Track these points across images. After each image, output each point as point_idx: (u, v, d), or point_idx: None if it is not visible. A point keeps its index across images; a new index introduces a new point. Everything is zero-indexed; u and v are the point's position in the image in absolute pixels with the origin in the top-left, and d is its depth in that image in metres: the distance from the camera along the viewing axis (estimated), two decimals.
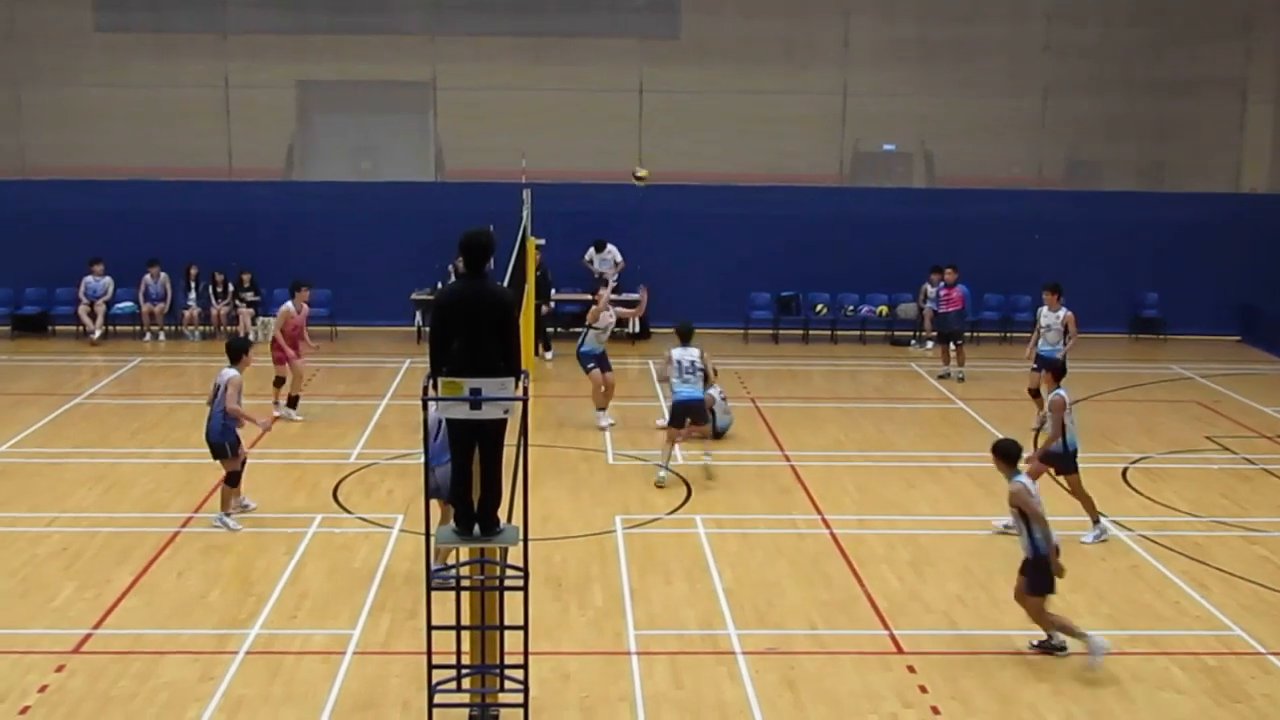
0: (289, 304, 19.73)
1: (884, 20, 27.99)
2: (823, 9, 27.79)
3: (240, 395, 14.75)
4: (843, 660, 11.71)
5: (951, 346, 23.26)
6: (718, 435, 18.65)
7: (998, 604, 12.98)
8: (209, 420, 14.81)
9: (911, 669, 11.51)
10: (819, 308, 27.00)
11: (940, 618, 12.70)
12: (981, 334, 26.71)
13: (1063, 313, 19.42)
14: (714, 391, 18.47)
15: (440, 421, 11.78)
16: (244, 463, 15.09)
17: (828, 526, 15.23)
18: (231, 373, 14.76)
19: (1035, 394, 19.01)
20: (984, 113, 27.74)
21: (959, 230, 26.52)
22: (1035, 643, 11.91)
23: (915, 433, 19.68)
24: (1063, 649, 11.78)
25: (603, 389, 19.51)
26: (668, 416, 17.54)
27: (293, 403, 19.72)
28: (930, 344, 25.55)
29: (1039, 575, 11.69)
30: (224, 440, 14.74)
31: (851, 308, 26.93)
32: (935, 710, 10.78)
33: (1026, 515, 11.70)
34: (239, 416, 14.71)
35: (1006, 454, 12.07)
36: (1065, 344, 19.25)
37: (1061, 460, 14.93)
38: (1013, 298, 27.16)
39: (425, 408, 9.35)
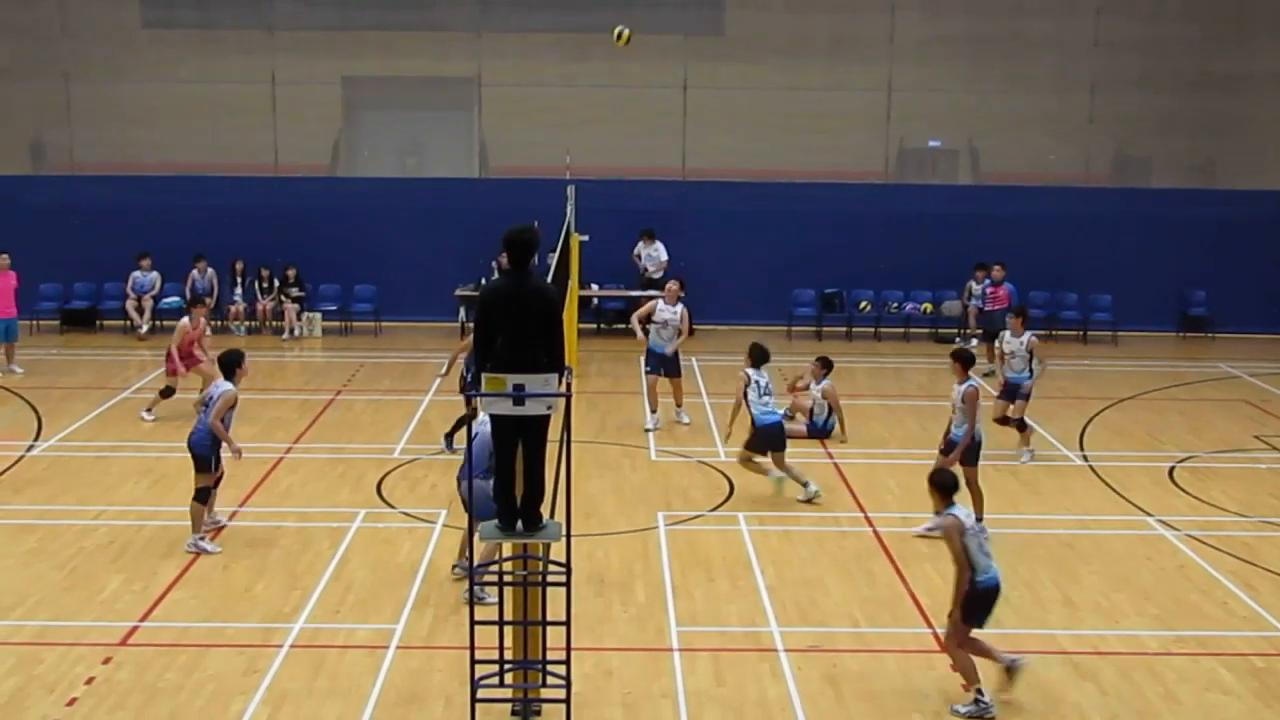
0: (185, 320, 19.38)
1: (930, 15, 27.87)
2: (869, 4, 27.69)
3: (231, 412, 14.03)
4: (886, 658, 11.66)
5: (996, 345, 23.08)
6: (824, 434, 18.75)
7: (1041, 603, 12.91)
8: (195, 430, 14.10)
9: (955, 667, 11.43)
10: (863, 305, 26.92)
11: None
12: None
13: (1027, 337, 17.87)
14: (815, 391, 18.74)
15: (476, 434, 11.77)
16: (219, 481, 14.33)
17: (871, 524, 15.17)
18: (226, 387, 14.05)
19: (1004, 422, 17.89)
20: (1031, 108, 27.55)
21: (1004, 227, 26.39)
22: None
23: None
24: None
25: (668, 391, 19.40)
26: (749, 440, 15.94)
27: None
28: (975, 341, 25.40)
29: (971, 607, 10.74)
30: (209, 454, 13.99)
31: (895, 305, 26.82)
32: None
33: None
34: (219, 435, 13.96)
35: (943, 487, 11.00)
36: (1033, 372, 17.74)
37: (970, 452, 14.82)
38: (1059, 295, 26.98)
39: (469, 403, 9.36)
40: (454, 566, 13.23)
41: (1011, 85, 27.47)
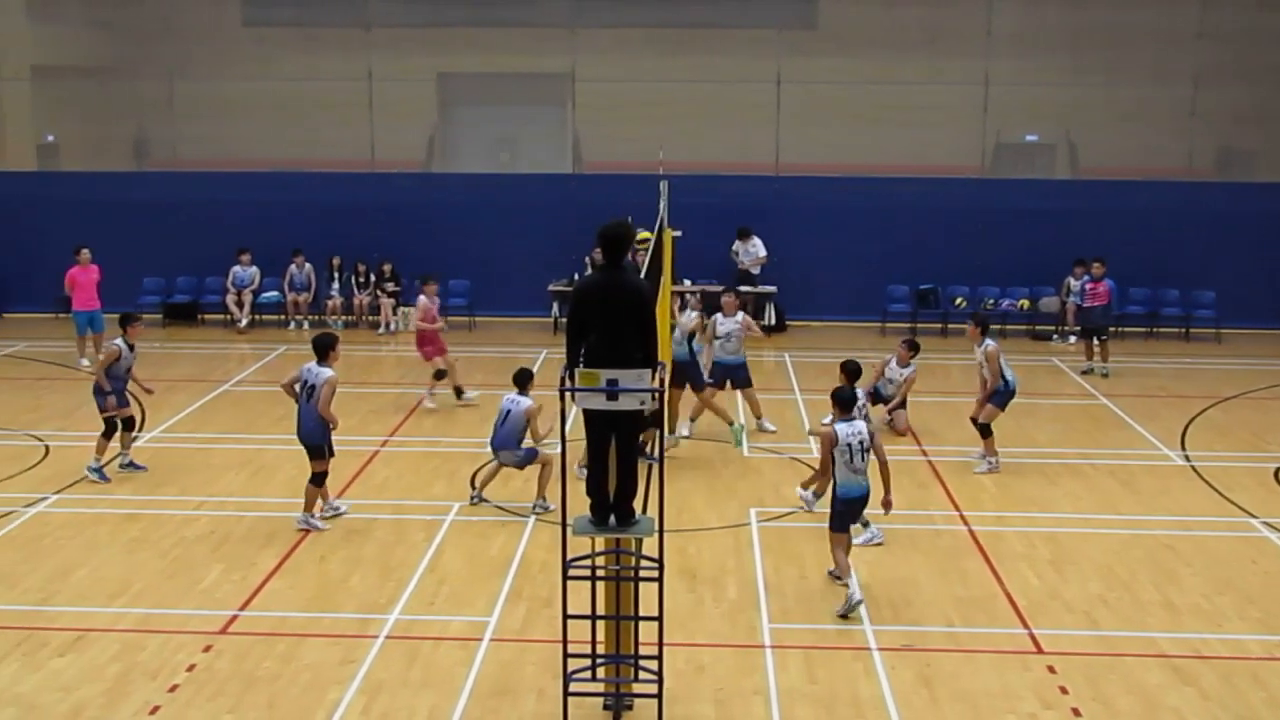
0: (423, 298, 20.23)
1: (1028, 6, 27.53)
2: None
3: (334, 396, 14.41)
4: (980, 659, 11.54)
5: (1095, 342, 22.79)
6: (880, 400, 18.88)
7: (1142, 605, 12.71)
8: (304, 420, 14.40)
9: (1052, 669, 11.31)
10: (958, 301, 26.64)
11: (1081, 618, 12.45)
12: (1127, 329, 26.13)
13: (987, 345, 17.02)
14: (899, 374, 18.80)
15: (506, 413, 14.78)
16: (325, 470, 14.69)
17: (965, 523, 15.02)
18: (327, 372, 14.36)
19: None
20: (1131, 101, 27.08)
21: (1104, 222, 26.03)
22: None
23: (1057, 428, 19.33)
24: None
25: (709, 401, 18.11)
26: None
27: (459, 392, 20.28)
28: (1073, 339, 25.09)
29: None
30: (324, 441, 14.40)
31: (992, 301, 26.50)
32: (1076, 712, 10.57)
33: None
34: (331, 420, 14.40)
35: (840, 400, 12.76)
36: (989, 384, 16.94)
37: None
38: (1160, 292, 26.53)
39: (562, 398, 9.40)
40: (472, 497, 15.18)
41: (1111, 78, 27.02)
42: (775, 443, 18.24)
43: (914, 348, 18.96)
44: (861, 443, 12.52)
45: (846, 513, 12.66)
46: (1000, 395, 16.93)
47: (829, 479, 12.72)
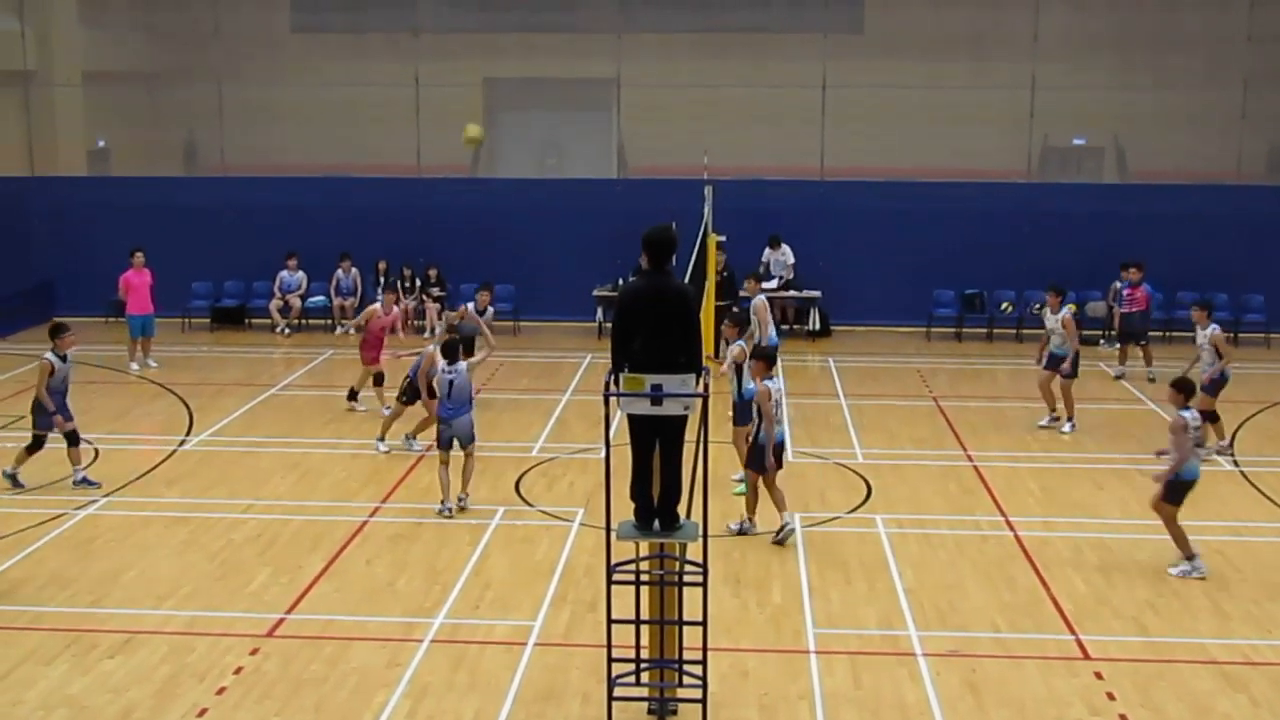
0: (376, 305, 20.26)
1: (1076, 11, 27.37)
2: (1012, 0, 27.24)
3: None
4: (1027, 664, 11.48)
5: (1137, 347, 22.67)
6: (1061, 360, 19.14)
7: (1191, 611, 12.61)
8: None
9: (1099, 675, 11.23)
10: (1005, 306, 26.49)
11: (1129, 623, 12.37)
12: (1175, 333, 25.92)
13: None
14: (1054, 321, 19.12)
15: (451, 381, 15.05)
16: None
17: (1011, 528, 14.94)
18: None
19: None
20: (1180, 105, 26.89)
21: (1152, 226, 25.82)
22: None
23: (1104, 434, 19.19)
24: None
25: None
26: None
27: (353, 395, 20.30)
28: (1101, 344, 24.98)
29: None
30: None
31: (1039, 305, 26.20)
32: (1123, 718, 10.50)
33: None
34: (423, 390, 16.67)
35: (765, 359, 14.44)
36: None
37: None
38: (1209, 295, 26.23)
39: (606, 403, 9.42)
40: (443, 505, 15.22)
41: (1159, 81, 26.84)
42: (821, 448, 18.19)
43: (1060, 293, 19.53)
44: (782, 395, 14.46)
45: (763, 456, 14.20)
46: (1217, 383, 18.03)
47: (772, 428, 14.09)
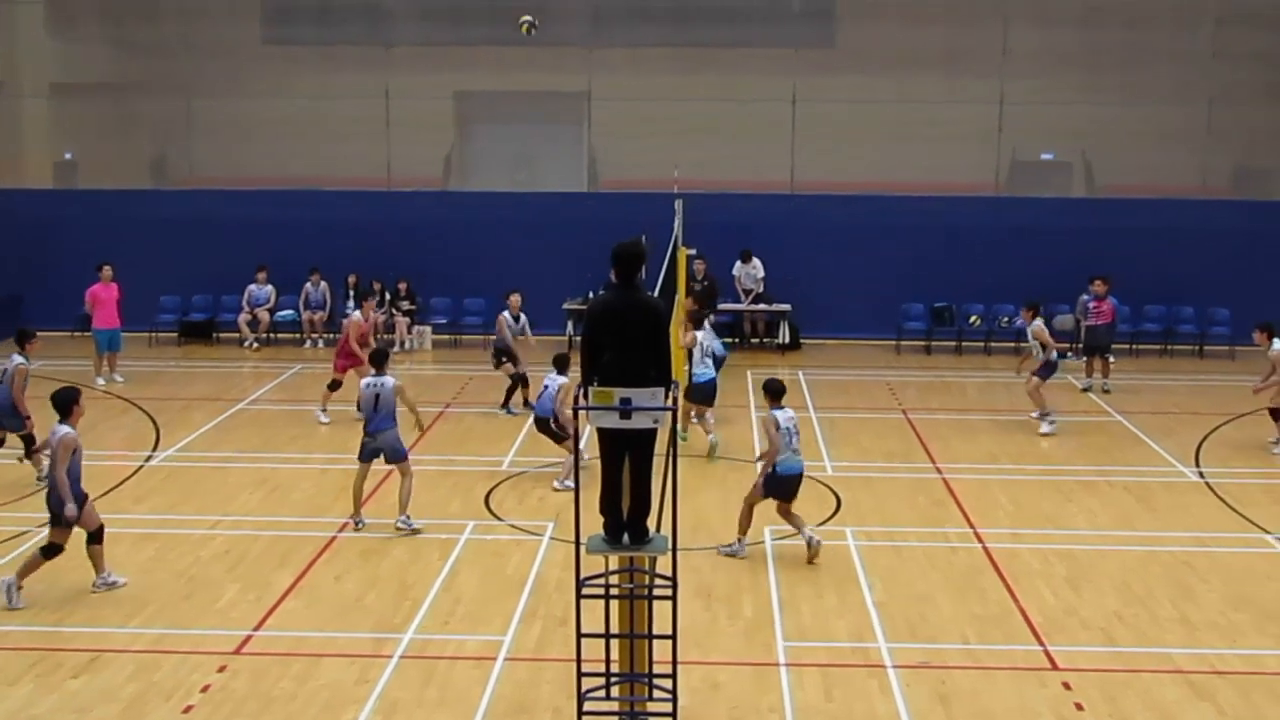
0: (356, 314, 20.65)
1: (1045, 27, 27.49)
2: (982, 16, 27.40)
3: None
4: (997, 675, 11.52)
5: (1103, 359, 22.83)
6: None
7: (1158, 621, 12.68)
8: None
9: (1067, 686, 11.28)
10: (973, 319, 26.62)
11: (1098, 634, 12.43)
12: (1142, 346, 26.11)
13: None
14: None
15: (376, 396, 14.83)
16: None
17: (981, 540, 15.00)
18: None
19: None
20: (1146, 121, 27.02)
21: (1119, 240, 25.99)
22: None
23: (1072, 446, 19.29)
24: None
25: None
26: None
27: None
28: (1070, 356, 25.12)
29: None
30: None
31: (1007, 319, 26.46)
32: None
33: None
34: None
35: (771, 392, 14.24)
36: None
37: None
38: (1175, 309, 26.50)
39: (576, 416, 9.41)
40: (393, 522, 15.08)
41: (1126, 97, 27.00)
42: None
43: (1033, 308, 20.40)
44: (796, 425, 14.27)
45: (781, 486, 14.18)
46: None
47: (773, 456, 14.06)
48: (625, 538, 9.66)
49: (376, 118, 27.84)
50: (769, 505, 14.33)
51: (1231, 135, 27.36)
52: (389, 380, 15.19)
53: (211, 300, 27.48)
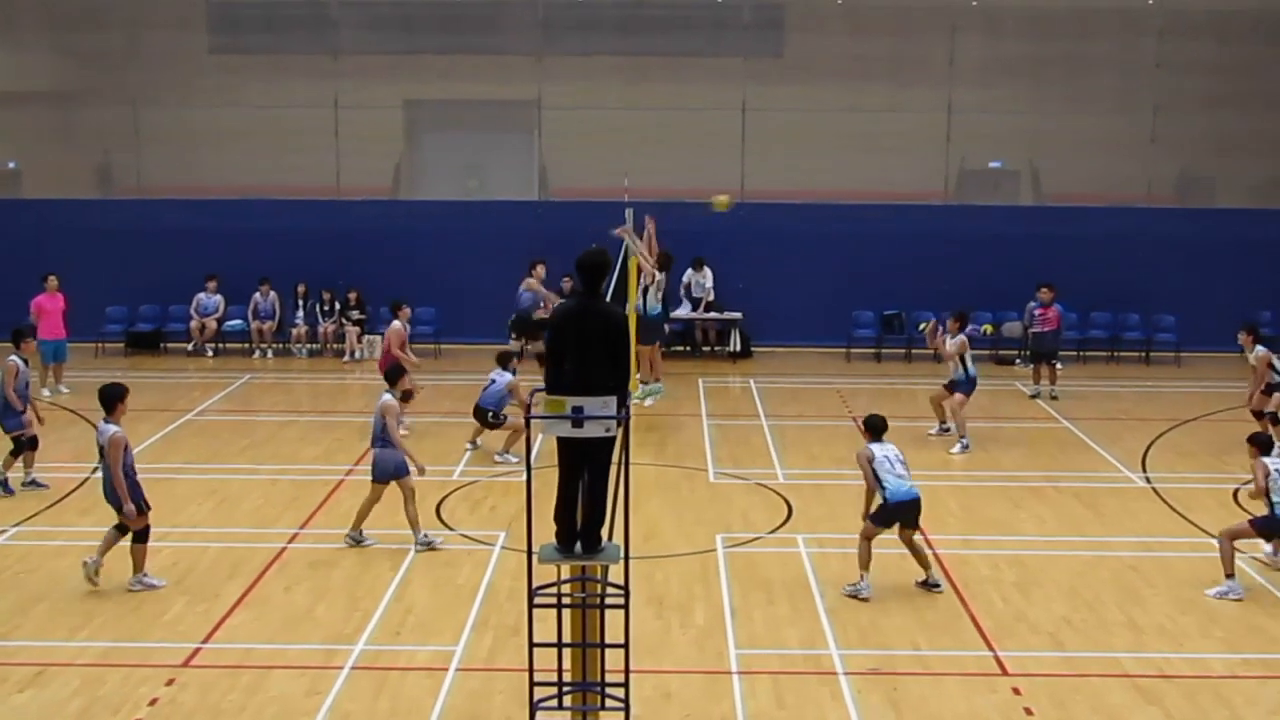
0: (396, 323, 20.69)
1: (991, 37, 27.74)
2: (929, 26, 27.60)
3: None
4: (947, 681, 11.58)
5: (1049, 366, 23.03)
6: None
7: (1106, 626, 12.79)
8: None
9: (1017, 691, 11.36)
10: (923, 326, 26.67)
11: (1047, 639, 12.52)
12: (1089, 353, 26.35)
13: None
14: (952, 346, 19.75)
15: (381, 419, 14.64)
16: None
17: (931, 547, 15.03)
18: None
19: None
20: (1092, 129, 27.33)
21: (1066, 247, 26.24)
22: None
23: (1021, 452, 19.44)
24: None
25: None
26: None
27: None
28: (1018, 363, 25.32)
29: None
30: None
31: (923, 325, 26.55)
32: None
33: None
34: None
35: (871, 427, 14.39)
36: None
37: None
38: (1121, 316, 26.75)
39: (528, 424, 9.41)
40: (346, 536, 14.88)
41: (1073, 106, 27.30)
42: (743, 469, 18.26)
43: (961, 320, 20.21)
44: (899, 455, 14.06)
45: (893, 514, 13.73)
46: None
47: (875, 491, 13.87)
48: (578, 547, 9.66)
49: (325, 127, 27.69)
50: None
51: (1176, 144, 27.66)
52: (382, 398, 15.02)
53: (159, 310, 27.26)
